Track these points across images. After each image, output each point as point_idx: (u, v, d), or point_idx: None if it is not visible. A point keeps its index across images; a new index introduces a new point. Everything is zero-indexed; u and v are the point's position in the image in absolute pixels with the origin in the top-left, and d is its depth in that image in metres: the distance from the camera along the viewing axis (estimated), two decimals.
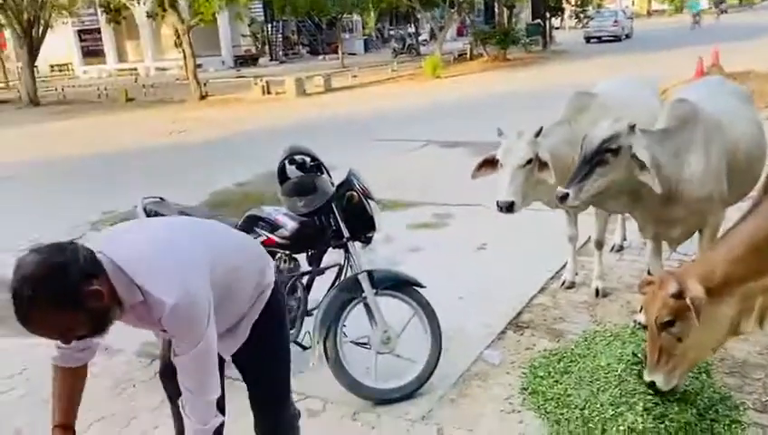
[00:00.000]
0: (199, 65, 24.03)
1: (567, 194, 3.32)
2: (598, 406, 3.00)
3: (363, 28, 43.06)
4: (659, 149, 3.38)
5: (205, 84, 22.05)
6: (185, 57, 21.72)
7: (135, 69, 35.46)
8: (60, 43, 34.39)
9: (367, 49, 41.45)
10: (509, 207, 3.81)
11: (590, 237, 4.90)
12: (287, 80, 20.98)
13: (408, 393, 3.38)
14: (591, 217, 4.57)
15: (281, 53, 39.45)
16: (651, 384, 2.76)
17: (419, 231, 6.29)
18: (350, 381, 3.33)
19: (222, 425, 2.12)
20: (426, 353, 3.43)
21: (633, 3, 67.30)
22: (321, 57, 37.33)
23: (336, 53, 31.64)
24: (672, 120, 3.52)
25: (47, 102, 23.94)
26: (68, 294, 1.69)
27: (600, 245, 4.57)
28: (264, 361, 2.34)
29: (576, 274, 4.76)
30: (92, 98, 23.95)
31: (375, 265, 3.54)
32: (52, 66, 37.58)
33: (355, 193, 3.37)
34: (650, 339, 2.73)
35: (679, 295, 2.52)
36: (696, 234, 3.77)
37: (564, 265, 4.84)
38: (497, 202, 3.84)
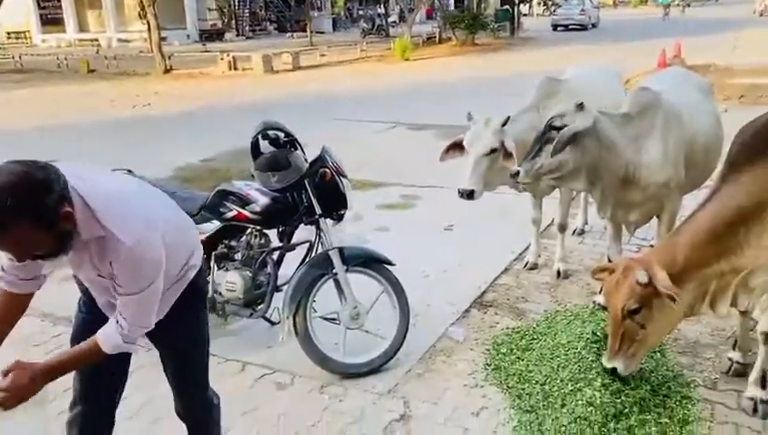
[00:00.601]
0: (163, 38, 23.50)
1: (518, 171, 3.46)
2: (558, 382, 3.13)
3: (332, 7, 42.65)
4: (619, 132, 3.49)
5: (169, 58, 21.61)
6: (149, 29, 21.26)
7: (96, 40, 34.47)
8: (18, 10, 33.21)
9: (335, 28, 41.10)
10: (469, 195, 3.94)
11: (553, 221, 5.03)
12: (254, 56, 20.72)
13: (376, 368, 3.45)
14: (555, 202, 4.70)
15: (247, 28, 38.82)
16: (613, 370, 2.84)
17: (387, 211, 6.35)
18: (318, 355, 3.38)
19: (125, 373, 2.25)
20: (393, 329, 3.51)
21: None
22: (288, 35, 36.86)
23: (304, 30, 31.34)
24: (634, 107, 3.63)
25: (4, 71, 23.16)
26: (46, 212, 1.69)
27: (562, 228, 4.69)
28: (178, 341, 2.32)
29: (539, 256, 4.88)
30: (52, 67, 23.26)
31: (344, 243, 3.59)
32: (8, 33, 36.29)
33: (328, 170, 3.40)
34: (613, 326, 2.79)
35: (648, 284, 2.61)
36: (655, 220, 3.92)
37: (528, 248, 4.97)
38: (458, 189, 3.96)
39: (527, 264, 4.85)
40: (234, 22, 38.17)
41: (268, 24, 41.65)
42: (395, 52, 23.35)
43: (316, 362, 3.38)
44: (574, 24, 34.10)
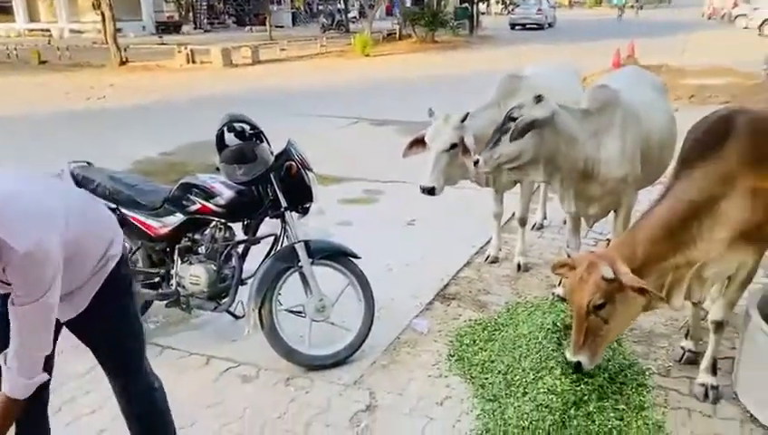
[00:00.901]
0: (118, 30, 22.95)
1: (478, 160, 3.56)
2: (520, 371, 3.21)
3: (292, 1, 42.31)
4: (578, 126, 3.59)
5: (125, 50, 21.14)
6: (103, 20, 20.79)
7: (47, 30, 33.44)
8: None
9: (295, 22, 40.82)
10: (431, 191, 4.04)
11: (513, 215, 5.13)
12: (213, 49, 20.43)
13: (342, 360, 3.48)
14: (516, 197, 4.80)
15: (205, 21, 38.22)
16: (577, 365, 2.89)
17: (350, 206, 6.37)
18: (284, 348, 3.39)
19: (48, 383, 2.13)
20: (359, 322, 3.53)
21: None
22: (247, 28, 36.46)
23: (263, 24, 31.03)
24: (594, 104, 3.74)
25: None
26: None
27: (522, 222, 4.79)
28: (103, 332, 2.28)
29: (500, 249, 4.98)
30: (1, 58, 22.45)
31: (309, 236, 3.59)
32: None
33: (294, 163, 3.40)
34: (577, 321, 2.84)
35: (613, 280, 2.67)
36: (612, 214, 4.04)
37: (489, 241, 5.06)
38: (420, 186, 4.05)
39: (488, 257, 4.93)
40: (191, 14, 37.53)
41: (227, 17, 41.09)
42: (355, 47, 23.35)
43: (282, 355, 3.39)
44: (531, 24, 34.64)
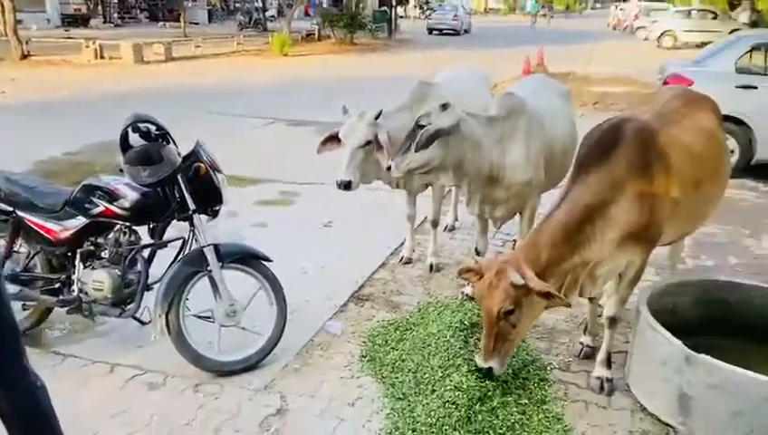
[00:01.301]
0: (19, 21, 21.65)
1: (390, 166, 3.65)
2: (429, 369, 3.29)
3: None
4: (484, 133, 3.73)
5: (27, 43, 19.96)
6: (2, 11, 19.46)
7: None
8: None
9: (211, 20, 39.86)
10: (347, 186, 4.10)
11: (426, 217, 5.24)
12: (123, 45, 19.64)
13: (253, 364, 3.45)
14: (428, 199, 4.90)
15: (116, 15, 36.72)
16: (488, 370, 2.97)
17: (266, 207, 6.31)
18: (192, 354, 3.32)
19: None
20: (271, 326, 3.51)
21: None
22: (161, 24, 35.25)
23: (178, 20, 30.12)
24: (501, 111, 3.88)
25: None
26: None
27: (434, 224, 4.91)
28: None
29: (413, 250, 5.08)
30: None
31: (219, 239, 3.53)
32: None
33: (202, 165, 3.34)
34: (487, 327, 2.92)
35: (522, 285, 2.77)
36: (518, 216, 4.21)
37: (403, 243, 5.15)
38: (336, 180, 4.10)
39: (402, 258, 5.02)
40: (101, 7, 35.93)
41: (138, 11, 39.63)
42: (273, 46, 23.08)
43: (190, 361, 3.32)
44: (448, 29, 35.41)
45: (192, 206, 3.36)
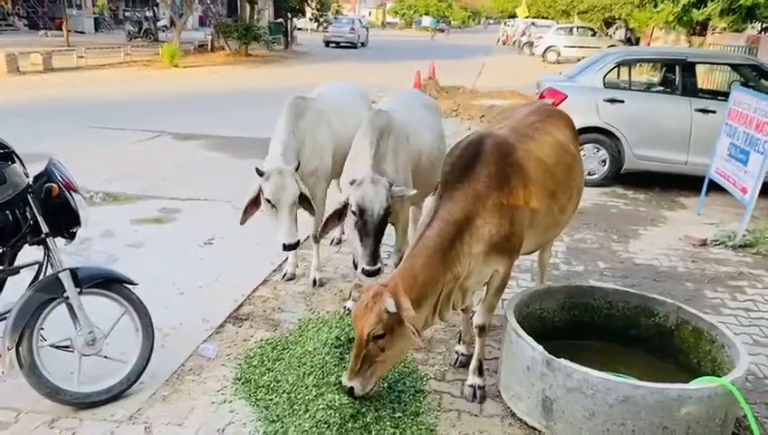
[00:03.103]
0: None
1: (380, 269, 3.63)
2: (303, 389, 3.24)
3: (94, 5, 39.40)
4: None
5: None
6: None
7: None
8: None
9: (97, 29, 38.06)
10: (294, 247, 4.09)
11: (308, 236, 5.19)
12: None
13: (116, 394, 3.25)
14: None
15: None
16: (350, 389, 2.97)
17: (144, 226, 6.03)
18: (48, 387, 3.09)
19: None
20: (136, 352, 3.34)
21: (370, 13, 72.07)
22: (42, 32, 33.18)
23: (60, 29, 28.46)
24: (375, 133, 3.88)
25: None
26: None
27: (317, 239, 4.87)
28: None
29: (297, 266, 5.01)
30: None
31: (90, 262, 3.31)
32: None
33: (55, 185, 3.13)
34: (357, 348, 2.92)
35: (395, 313, 2.76)
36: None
37: (287, 259, 5.07)
38: (284, 244, 4.02)
39: (285, 274, 4.95)
40: None
41: (17, 19, 37.14)
42: (163, 57, 22.31)
43: (45, 396, 3.09)
44: (345, 42, 35.69)
45: (45, 229, 3.14)
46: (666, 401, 2.82)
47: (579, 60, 10.87)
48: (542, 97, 8.11)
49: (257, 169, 4.10)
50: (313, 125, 4.52)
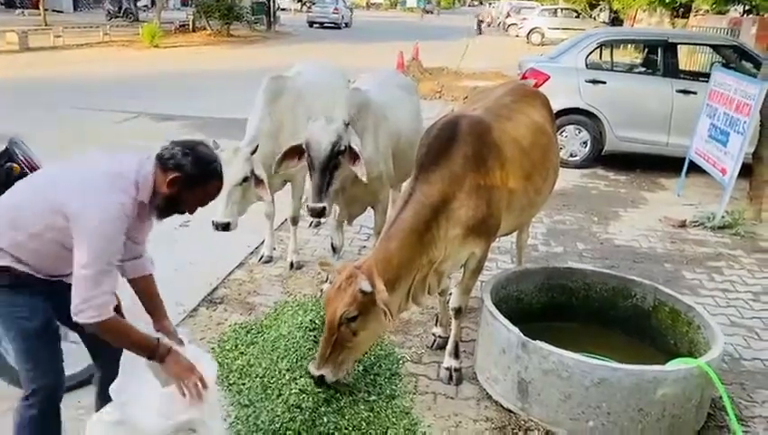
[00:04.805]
0: None
1: (324, 208, 3.50)
2: (276, 373, 3.19)
3: None
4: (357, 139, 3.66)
5: None
6: None
7: None
8: None
9: (76, 8, 37.30)
10: (225, 227, 3.87)
11: (286, 219, 5.12)
12: None
13: (83, 381, 3.17)
14: (288, 195, 4.78)
15: None
16: (320, 378, 2.84)
17: None
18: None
19: None
20: None
21: None
22: (18, 11, 32.45)
23: (37, 8, 27.86)
24: (352, 109, 3.81)
25: None
26: None
27: (294, 221, 4.80)
28: None
29: (274, 248, 4.94)
30: None
31: None
32: None
33: (17, 165, 3.02)
34: (327, 332, 2.80)
35: (369, 293, 2.68)
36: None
37: (263, 241, 5.00)
38: (213, 222, 3.85)
39: (262, 257, 4.88)
40: None
41: None
42: (143, 38, 21.92)
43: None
44: (329, 23, 35.28)
45: None
46: (642, 383, 2.81)
47: (563, 41, 10.80)
48: (523, 78, 8.04)
49: (214, 142, 3.99)
50: (291, 107, 4.42)
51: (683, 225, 5.99)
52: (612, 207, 6.55)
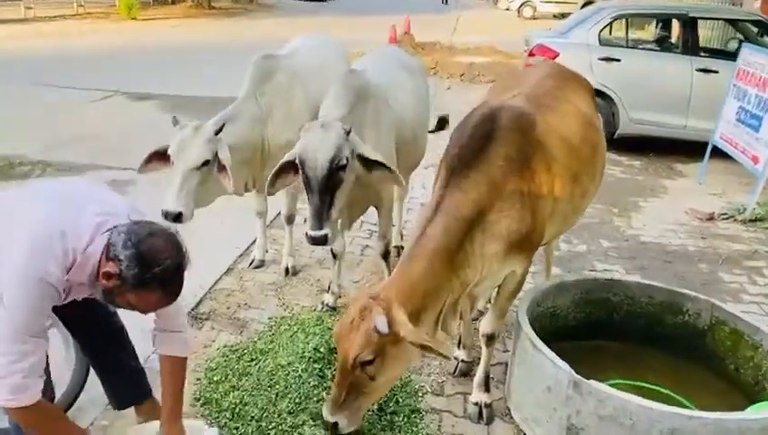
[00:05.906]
0: None
1: (326, 236, 2.93)
2: (276, 416, 2.68)
3: None
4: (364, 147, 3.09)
5: None
6: None
7: None
8: None
9: None
10: (176, 218, 3.18)
11: (280, 212, 4.57)
12: None
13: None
14: (281, 192, 4.21)
15: None
16: (334, 426, 2.33)
17: None
18: None
19: None
20: (68, 374, 2.71)
21: None
22: None
23: None
24: (350, 96, 3.22)
25: None
26: None
27: (290, 219, 4.25)
28: None
29: (266, 251, 4.39)
30: None
31: None
32: None
33: None
34: (340, 375, 2.29)
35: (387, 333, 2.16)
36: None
37: (254, 242, 4.45)
38: (162, 210, 3.18)
39: (253, 261, 4.32)
40: None
41: None
42: (120, 9, 21.03)
43: None
44: None
45: None
46: None
47: (554, 16, 10.20)
48: (531, 54, 7.46)
49: (174, 118, 3.39)
50: (285, 89, 3.82)
51: (711, 218, 5.50)
52: (631, 196, 6.05)
